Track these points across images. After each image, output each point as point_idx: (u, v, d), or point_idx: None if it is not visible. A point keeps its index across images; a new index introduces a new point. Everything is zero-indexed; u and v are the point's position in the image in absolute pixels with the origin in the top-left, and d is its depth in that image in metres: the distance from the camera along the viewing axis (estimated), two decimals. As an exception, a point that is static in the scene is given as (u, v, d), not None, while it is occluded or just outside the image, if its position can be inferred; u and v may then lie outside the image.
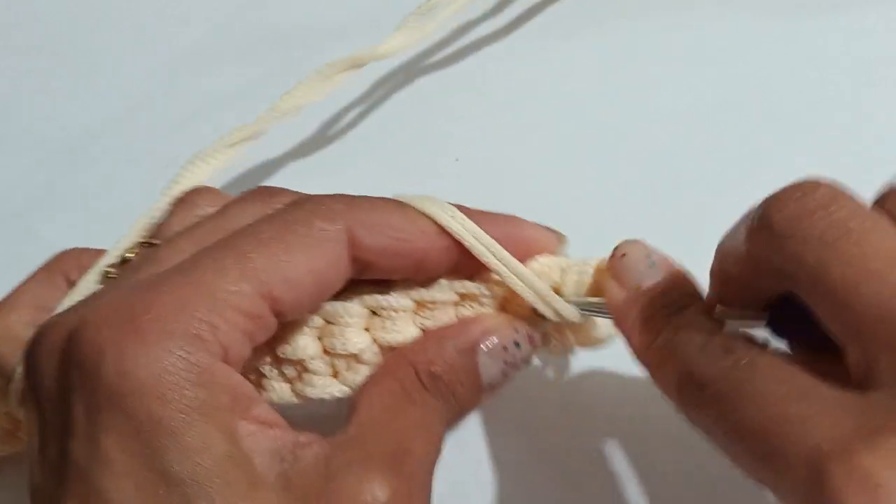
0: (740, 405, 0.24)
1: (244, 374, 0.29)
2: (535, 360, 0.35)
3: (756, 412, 0.23)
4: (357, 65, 0.36)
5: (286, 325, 0.29)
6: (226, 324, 0.25)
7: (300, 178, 0.37)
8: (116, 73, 0.45)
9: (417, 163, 0.40)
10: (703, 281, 0.28)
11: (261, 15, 0.45)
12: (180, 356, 0.24)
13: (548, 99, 0.42)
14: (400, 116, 0.42)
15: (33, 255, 0.40)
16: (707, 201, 0.38)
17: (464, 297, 0.30)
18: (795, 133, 0.39)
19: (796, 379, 0.23)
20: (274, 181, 0.42)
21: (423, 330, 0.29)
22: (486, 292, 0.30)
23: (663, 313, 0.27)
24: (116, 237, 0.32)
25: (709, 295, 0.28)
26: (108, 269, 0.31)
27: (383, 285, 0.30)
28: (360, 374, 0.29)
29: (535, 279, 0.29)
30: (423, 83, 0.43)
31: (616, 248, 0.29)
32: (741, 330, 0.27)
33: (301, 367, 0.29)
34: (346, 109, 0.43)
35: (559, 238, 0.31)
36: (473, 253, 0.29)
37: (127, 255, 0.31)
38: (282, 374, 0.29)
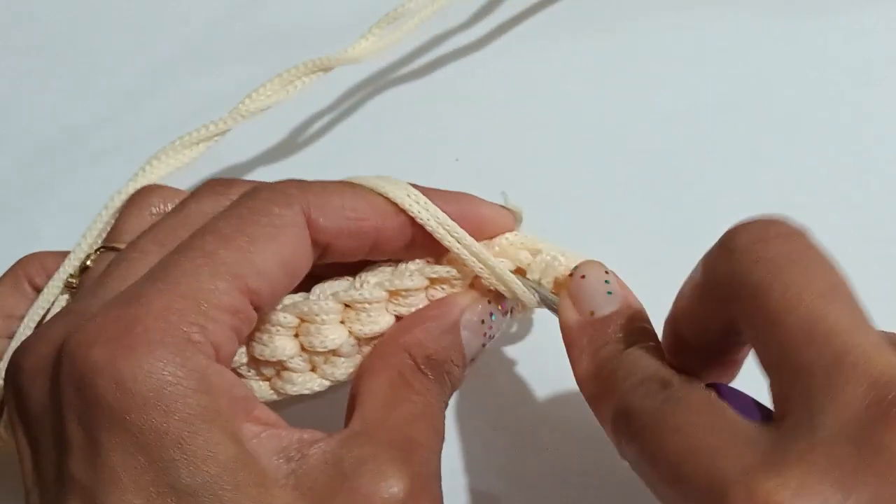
0: (661, 436, 0.24)
1: None
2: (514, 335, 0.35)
3: (674, 443, 0.24)
4: (324, 68, 0.36)
5: (262, 328, 0.29)
6: (212, 322, 0.25)
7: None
8: (116, 73, 0.45)
9: (417, 163, 0.40)
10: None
11: (261, 15, 0.45)
12: (176, 364, 0.24)
13: (548, 99, 0.42)
14: (400, 116, 0.42)
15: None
16: (707, 201, 0.38)
17: (434, 281, 0.30)
18: (795, 133, 0.39)
19: (719, 413, 0.24)
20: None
21: (398, 317, 0.30)
22: (457, 274, 0.30)
23: (613, 346, 0.28)
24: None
25: (663, 335, 0.29)
26: (71, 278, 0.30)
27: (352, 275, 0.30)
28: (339, 366, 0.29)
29: (490, 258, 0.30)
30: (424, 83, 0.43)
31: (576, 268, 0.30)
32: None
33: (280, 366, 0.29)
34: (347, 109, 0.43)
35: (514, 215, 0.32)
36: (432, 233, 0.29)
37: (88, 262, 0.31)
38: (260, 373, 0.29)
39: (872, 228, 0.37)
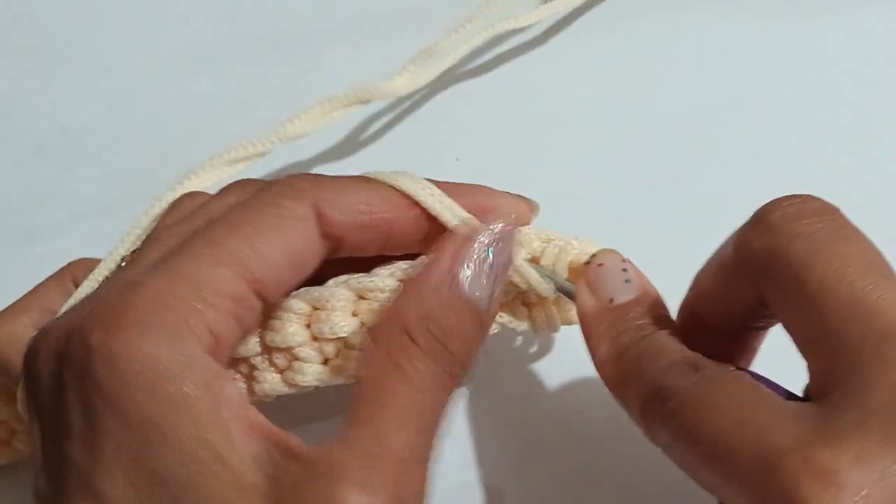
0: (700, 414, 0.24)
1: (235, 366, 0.29)
2: (519, 339, 0.35)
3: (716, 417, 0.23)
4: (363, 100, 0.37)
5: (274, 315, 0.29)
6: (211, 308, 0.25)
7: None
8: (116, 73, 0.45)
9: (417, 163, 0.40)
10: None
11: (261, 15, 0.45)
12: (165, 345, 0.24)
13: (548, 99, 0.42)
14: (400, 116, 0.42)
15: (33, 255, 0.40)
16: (707, 201, 0.38)
17: None
18: (795, 133, 0.39)
19: (757, 390, 0.24)
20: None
21: None
22: None
23: (634, 332, 0.28)
24: (116, 237, 0.32)
25: (679, 320, 0.29)
26: (107, 279, 0.31)
27: (367, 270, 0.30)
28: (351, 359, 0.29)
29: None
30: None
31: (594, 256, 0.30)
32: None
33: (291, 355, 0.29)
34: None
35: (531, 206, 0.31)
36: (446, 225, 0.29)
37: (122, 264, 0.31)
38: (272, 364, 0.29)
39: (872, 228, 0.37)
